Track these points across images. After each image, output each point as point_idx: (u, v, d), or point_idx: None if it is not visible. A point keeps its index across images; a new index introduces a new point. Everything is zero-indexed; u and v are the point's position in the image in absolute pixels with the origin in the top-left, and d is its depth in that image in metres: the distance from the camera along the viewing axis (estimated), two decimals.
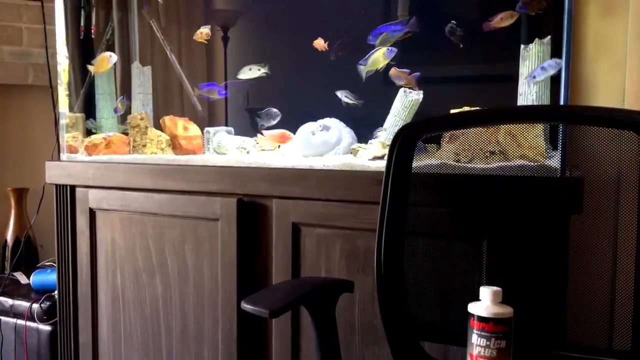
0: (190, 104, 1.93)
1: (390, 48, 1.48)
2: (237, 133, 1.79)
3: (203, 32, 1.72)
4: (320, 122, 1.58)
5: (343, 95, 1.55)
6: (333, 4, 1.68)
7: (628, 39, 1.31)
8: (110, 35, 1.94)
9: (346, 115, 1.61)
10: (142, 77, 1.91)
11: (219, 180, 1.48)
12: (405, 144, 1.09)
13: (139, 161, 1.67)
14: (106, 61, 1.84)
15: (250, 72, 1.70)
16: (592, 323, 1.00)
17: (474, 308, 0.92)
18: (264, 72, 1.70)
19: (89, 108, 1.93)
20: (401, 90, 1.47)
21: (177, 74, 1.92)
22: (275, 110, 1.69)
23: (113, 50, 1.93)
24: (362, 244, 1.32)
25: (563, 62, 1.28)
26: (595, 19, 1.33)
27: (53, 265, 2.08)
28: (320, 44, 1.56)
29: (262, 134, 1.66)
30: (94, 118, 1.93)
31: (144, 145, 1.77)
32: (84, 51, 1.93)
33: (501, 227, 1.07)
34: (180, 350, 1.59)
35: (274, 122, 1.69)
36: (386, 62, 1.50)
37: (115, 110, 1.91)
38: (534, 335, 1.04)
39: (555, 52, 1.30)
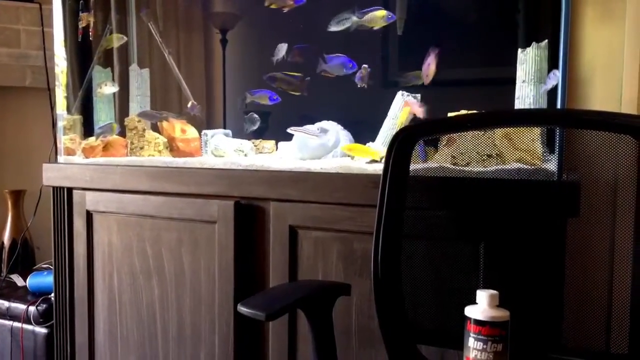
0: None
1: (390, 14, 1.47)
2: (234, 136, 1.79)
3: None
4: (318, 124, 1.58)
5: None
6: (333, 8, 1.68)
7: (625, 43, 1.31)
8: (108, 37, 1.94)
9: (343, 118, 1.61)
10: (140, 80, 1.91)
11: (216, 182, 1.48)
12: (402, 146, 1.09)
13: (136, 163, 1.67)
14: None
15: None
16: (589, 326, 1.00)
17: (470, 311, 0.92)
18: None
19: (86, 110, 1.93)
20: (399, 93, 1.47)
21: (175, 77, 1.92)
22: (255, 115, 1.72)
23: (111, 53, 1.93)
24: (360, 247, 1.32)
25: (560, 65, 1.28)
26: (592, 23, 1.34)
27: (50, 268, 2.08)
28: None
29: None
30: (92, 120, 1.93)
31: (142, 148, 1.77)
32: (82, 53, 1.93)
33: (498, 231, 1.07)
34: (176, 353, 1.59)
35: (254, 127, 1.72)
36: (384, 24, 1.48)
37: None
38: (530, 339, 1.04)
39: (552, 56, 1.30)
